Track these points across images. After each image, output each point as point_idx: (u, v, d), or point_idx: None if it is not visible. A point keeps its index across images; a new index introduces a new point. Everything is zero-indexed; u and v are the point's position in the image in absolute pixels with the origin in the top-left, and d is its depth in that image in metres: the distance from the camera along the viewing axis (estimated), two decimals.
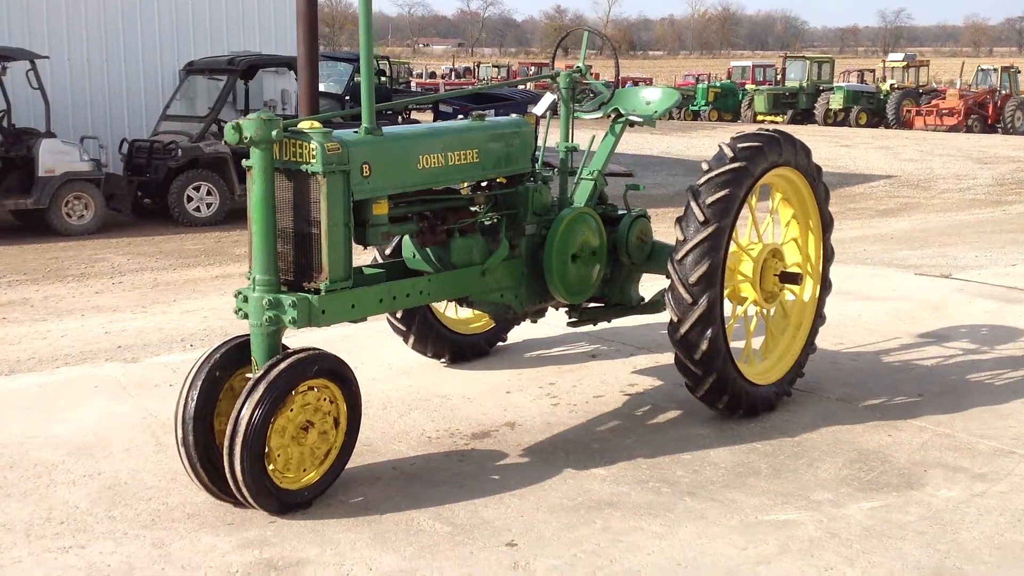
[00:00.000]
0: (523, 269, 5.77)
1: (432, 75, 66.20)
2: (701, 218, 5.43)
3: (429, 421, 5.86)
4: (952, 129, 37.45)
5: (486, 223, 5.69)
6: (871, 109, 40.98)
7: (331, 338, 7.02)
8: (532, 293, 5.86)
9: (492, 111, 18.92)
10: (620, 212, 6.29)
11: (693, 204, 5.49)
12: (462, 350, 6.89)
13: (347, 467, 4.93)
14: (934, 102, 39.61)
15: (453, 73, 67.56)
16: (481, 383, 6.52)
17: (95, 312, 8.96)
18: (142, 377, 6.68)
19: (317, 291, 4.71)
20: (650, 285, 6.65)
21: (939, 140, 33.53)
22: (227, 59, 15.93)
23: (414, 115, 25.26)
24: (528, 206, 5.73)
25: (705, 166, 5.63)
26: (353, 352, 7.16)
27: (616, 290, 6.32)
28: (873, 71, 46.51)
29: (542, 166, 6.11)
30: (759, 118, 41.57)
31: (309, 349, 4.69)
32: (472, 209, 5.56)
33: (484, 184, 5.68)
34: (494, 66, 62.80)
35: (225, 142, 4.58)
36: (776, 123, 39.26)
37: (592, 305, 6.41)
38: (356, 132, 4.90)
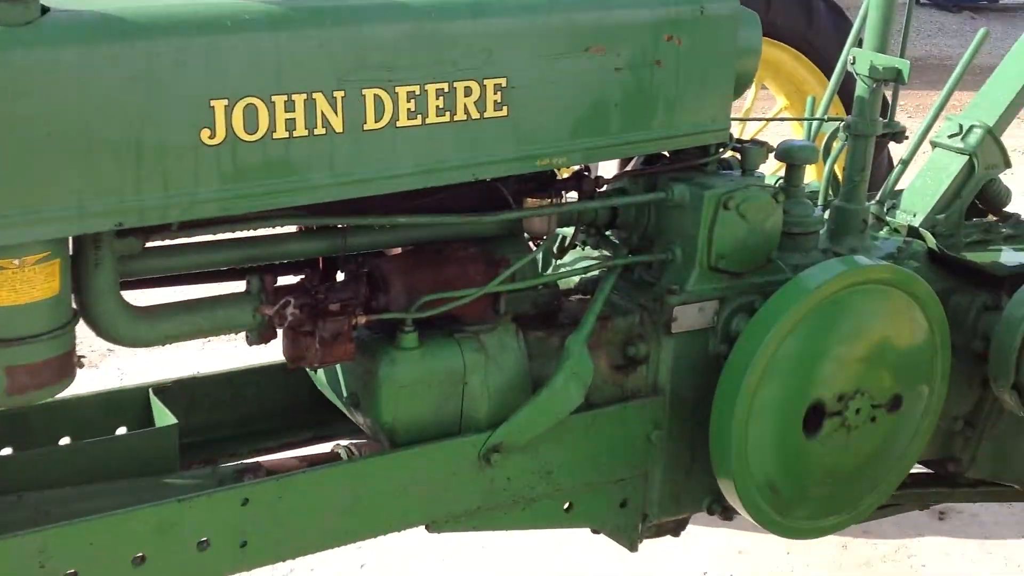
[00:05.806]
0: (651, 429, 2.00)
1: None
2: None
3: None
4: None
5: (543, 294, 2.00)
6: None
7: None
8: (677, 491, 2.08)
9: None
10: None
11: None
12: None
13: None
14: None
15: None
16: None
17: None
18: None
19: None
20: None
21: None
22: None
23: None
24: (701, 242, 1.92)
25: None
26: None
27: (983, 454, 2.40)
28: None
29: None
30: None
31: None
32: (484, 257, 1.91)
33: (551, 175, 1.98)
34: None
35: None
36: None
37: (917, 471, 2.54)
38: None
